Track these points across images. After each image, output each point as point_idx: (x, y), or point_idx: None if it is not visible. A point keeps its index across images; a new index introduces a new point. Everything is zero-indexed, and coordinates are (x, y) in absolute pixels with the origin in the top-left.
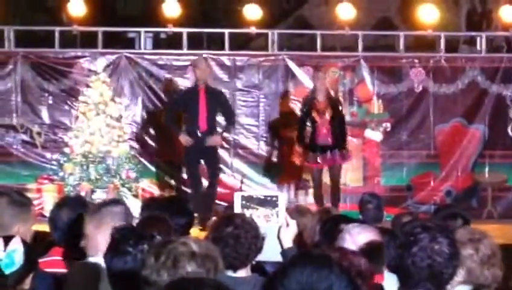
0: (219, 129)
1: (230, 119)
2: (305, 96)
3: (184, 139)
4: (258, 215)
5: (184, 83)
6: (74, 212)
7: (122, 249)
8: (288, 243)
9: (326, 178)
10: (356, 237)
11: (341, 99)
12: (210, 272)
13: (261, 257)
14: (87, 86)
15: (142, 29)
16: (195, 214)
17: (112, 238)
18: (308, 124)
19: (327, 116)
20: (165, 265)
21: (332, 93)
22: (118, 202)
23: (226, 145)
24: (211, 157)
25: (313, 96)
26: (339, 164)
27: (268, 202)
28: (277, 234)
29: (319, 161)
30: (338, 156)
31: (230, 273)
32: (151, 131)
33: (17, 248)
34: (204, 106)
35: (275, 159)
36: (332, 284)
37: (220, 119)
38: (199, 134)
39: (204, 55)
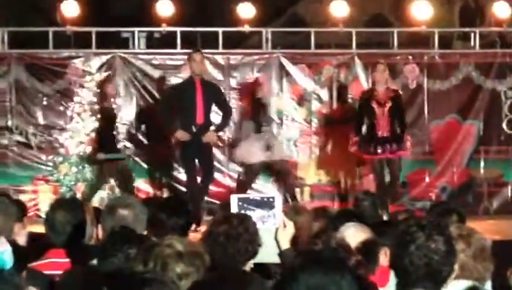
0: (212, 127)
1: (226, 113)
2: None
3: (181, 134)
4: (255, 217)
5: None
6: (69, 214)
7: (110, 251)
8: (285, 244)
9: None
10: (351, 237)
11: (400, 92)
12: (200, 269)
13: (258, 259)
14: (82, 86)
15: (136, 29)
16: None
17: (100, 240)
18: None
19: (387, 107)
20: (155, 270)
21: (392, 85)
22: (127, 205)
23: (221, 144)
24: (206, 155)
25: (372, 88)
26: (398, 157)
27: (265, 204)
28: (274, 235)
29: (379, 151)
30: (397, 148)
31: None
32: (146, 130)
33: (5, 248)
34: (201, 99)
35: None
36: None
37: (214, 116)
38: (194, 129)
39: None
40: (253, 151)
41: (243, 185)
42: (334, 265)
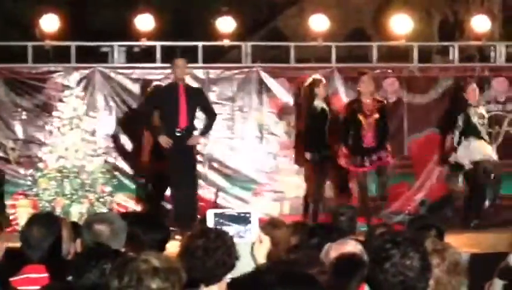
0: (195, 132)
1: (211, 116)
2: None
3: (164, 140)
4: (232, 232)
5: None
6: (45, 229)
7: (85, 267)
8: (261, 259)
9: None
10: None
11: (385, 101)
12: (175, 285)
13: (234, 274)
14: (61, 100)
15: (115, 43)
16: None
17: (76, 256)
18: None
19: (373, 118)
20: (130, 285)
21: (378, 96)
22: (105, 221)
23: (200, 159)
24: (189, 158)
25: (358, 99)
26: (386, 165)
27: (242, 219)
28: (250, 250)
29: (366, 164)
30: (384, 156)
31: (202, 288)
32: (126, 145)
33: None
34: (185, 103)
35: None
36: None
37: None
38: (177, 133)
39: None
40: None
41: None
42: (308, 283)
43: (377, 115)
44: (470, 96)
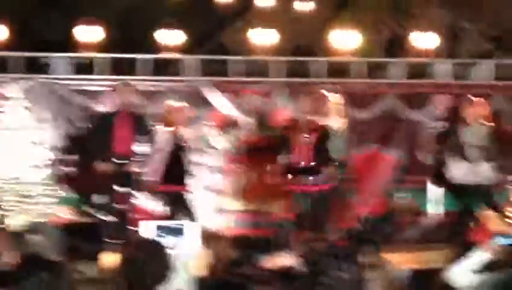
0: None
1: (151, 142)
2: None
3: (103, 165)
4: (166, 243)
5: (100, 108)
6: None
7: (22, 277)
8: (201, 271)
9: None
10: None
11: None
12: None
13: (172, 287)
14: (4, 111)
15: (59, 54)
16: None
17: (12, 266)
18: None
19: (310, 139)
20: None
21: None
22: (38, 231)
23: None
24: (129, 183)
25: (296, 118)
26: (320, 189)
27: (177, 231)
28: (189, 263)
29: (300, 181)
30: (320, 180)
31: None
32: (69, 157)
33: None
34: (124, 129)
35: None
36: None
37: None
38: (117, 159)
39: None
40: None
41: None
42: None
43: (315, 137)
44: (466, 113)
